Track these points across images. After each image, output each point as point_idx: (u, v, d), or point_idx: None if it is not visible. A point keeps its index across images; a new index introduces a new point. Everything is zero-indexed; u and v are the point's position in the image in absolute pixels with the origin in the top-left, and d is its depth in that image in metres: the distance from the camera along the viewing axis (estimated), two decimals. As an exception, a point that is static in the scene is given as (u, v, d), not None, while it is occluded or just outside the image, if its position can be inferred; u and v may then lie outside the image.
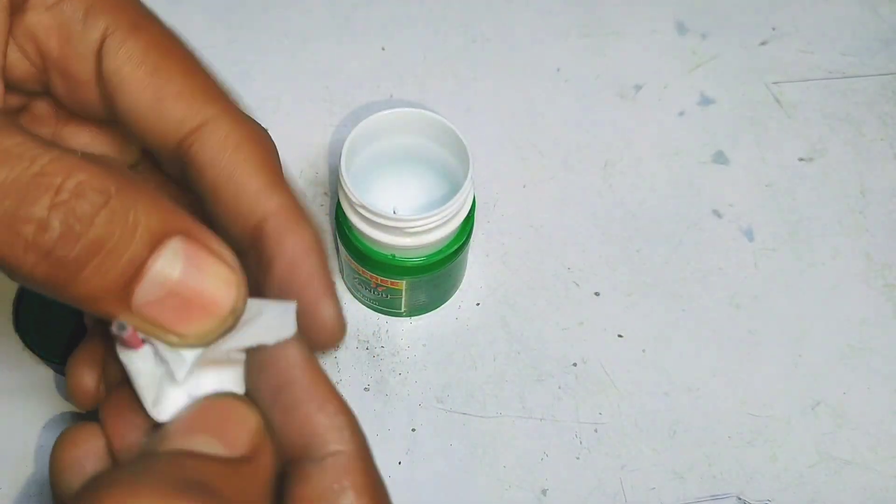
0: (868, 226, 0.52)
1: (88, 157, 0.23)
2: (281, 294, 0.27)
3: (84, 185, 0.22)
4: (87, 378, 0.28)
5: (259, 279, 0.27)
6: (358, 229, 0.43)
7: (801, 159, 0.54)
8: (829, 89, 0.57)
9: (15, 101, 0.29)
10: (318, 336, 0.27)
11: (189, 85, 0.28)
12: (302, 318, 0.26)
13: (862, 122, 0.55)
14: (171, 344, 0.24)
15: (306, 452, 0.25)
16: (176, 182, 0.29)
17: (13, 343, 0.45)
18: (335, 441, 0.25)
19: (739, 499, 0.45)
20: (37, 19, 0.27)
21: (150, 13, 0.28)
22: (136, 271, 0.23)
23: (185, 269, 0.24)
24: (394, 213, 0.44)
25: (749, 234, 0.52)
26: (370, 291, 0.46)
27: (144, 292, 0.23)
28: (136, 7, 0.27)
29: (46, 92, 0.28)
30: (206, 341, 0.25)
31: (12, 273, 0.23)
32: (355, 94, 0.55)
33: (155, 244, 0.23)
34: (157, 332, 0.24)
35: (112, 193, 0.23)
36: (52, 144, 0.23)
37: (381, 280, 0.45)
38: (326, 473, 0.25)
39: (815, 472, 0.46)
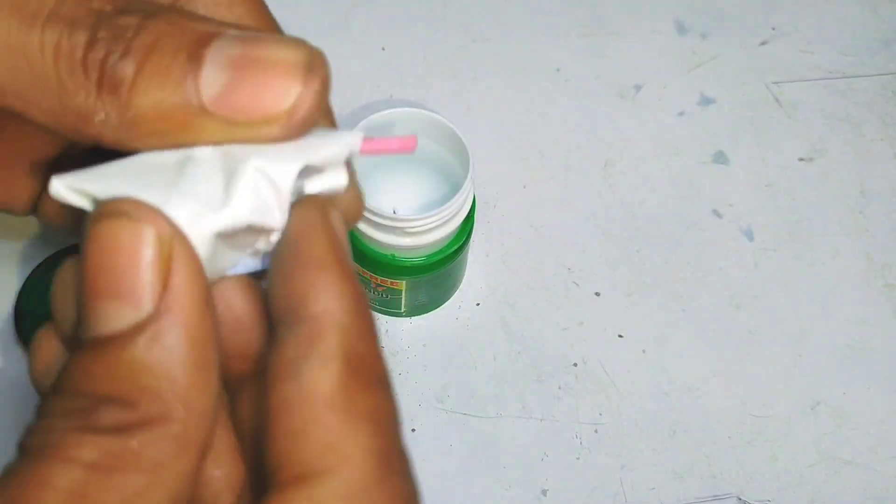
0: (868, 226, 0.52)
1: None
2: None
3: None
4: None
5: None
6: (358, 229, 0.43)
7: (801, 159, 0.54)
8: (829, 89, 0.57)
9: None
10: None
11: None
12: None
13: (862, 122, 0.55)
14: (257, 139, 0.22)
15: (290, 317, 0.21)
16: None
17: (13, 344, 0.45)
18: (318, 304, 0.21)
19: (739, 499, 0.45)
20: None
21: None
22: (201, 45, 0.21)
23: (243, 46, 0.22)
24: (394, 213, 0.44)
25: (749, 234, 0.52)
26: (370, 291, 0.46)
27: (213, 68, 0.21)
28: None
29: None
30: (298, 118, 0.22)
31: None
32: (355, 94, 0.55)
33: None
34: (242, 121, 0.21)
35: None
36: None
37: (381, 280, 0.45)
38: (297, 339, 0.21)
39: (816, 472, 0.46)
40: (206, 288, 0.21)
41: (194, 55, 0.21)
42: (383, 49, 0.57)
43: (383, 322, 0.48)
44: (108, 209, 0.20)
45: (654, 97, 0.56)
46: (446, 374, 0.47)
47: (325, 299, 0.21)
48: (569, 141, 0.54)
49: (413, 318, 0.49)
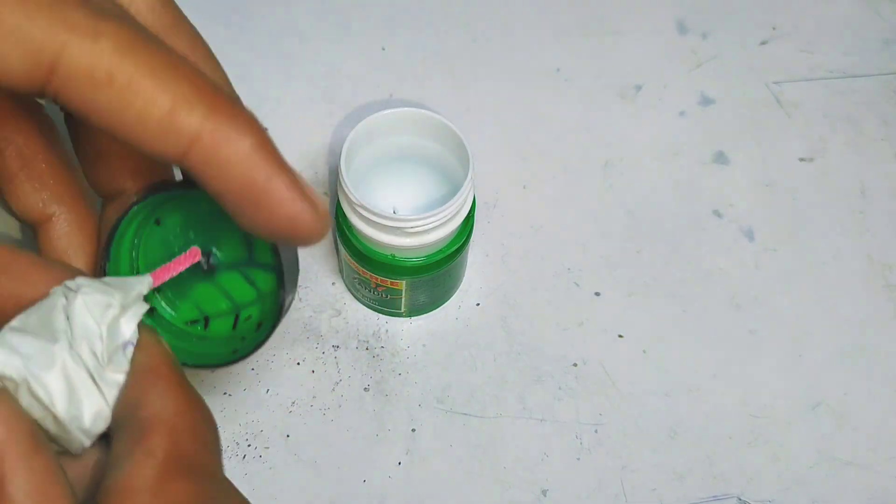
0: (869, 226, 0.52)
1: None
2: (249, 221, 0.26)
3: None
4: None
5: (221, 206, 0.26)
6: (358, 229, 0.43)
7: (801, 159, 0.54)
8: (830, 89, 0.56)
9: None
10: (307, 239, 0.26)
11: None
12: (283, 233, 0.25)
13: (862, 121, 0.55)
14: None
15: None
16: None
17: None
18: (149, 407, 0.25)
19: (740, 499, 0.45)
20: None
21: None
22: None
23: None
24: (394, 213, 0.44)
25: (749, 234, 0.52)
26: (370, 291, 0.46)
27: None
28: None
29: None
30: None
31: None
32: (355, 94, 0.55)
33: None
34: None
35: None
36: None
37: (381, 280, 0.45)
38: (127, 437, 0.24)
39: (816, 472, 0.46)
40: (29, 433, 0.23)
41: None
42: (383, 49, 0.57)
43: (383, 322, 0.48)
44: None
45: (654, 97, 0.56)
46: (446, 374, 0.47)
47: (156, 403, 0.24)
48: (569, 141, 0.54)
49: (413, 318, 0.49)
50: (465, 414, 0.46)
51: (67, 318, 0.25)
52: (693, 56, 0.57)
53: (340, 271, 0.49)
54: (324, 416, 0.46)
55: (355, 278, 0.46)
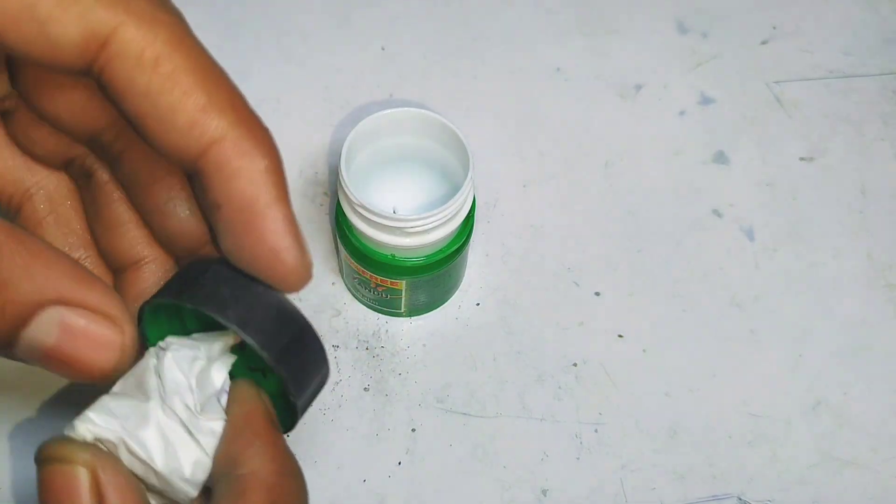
0: (869, 226, 0.52)
1: None
2: (233, 240, 0.25)
3: None
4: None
5: (212, 222, 0.26)
6: (358, 229, 0.43)
7: (801, 159, 0.54)
8: (830, 89, 0.56)
9: None
10: (282, 281, 0.26)
11: None
12: (262, 263, 0.25)
13: (862, 121, 0.55)
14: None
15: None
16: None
17: None
18: (247, 465, 0.26)
19: (740, 499, 0.45)
20: None
21: None
22: (10, 341, 0.23)
23: (59, 336, 0.23)
24: (394, 213, 0.44)
25: (749, 234, 0.52)
26: (370, 291, 0.46)
27: (23, 353, 0.23)
28: None
29: None
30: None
31: None
32: (355, 94, 0.55)
33: (27, 317, 0.23)
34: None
35: None
36: None
37: (381, 280, 0.45)
38: (228, 494, 0.25)
39: (816, 472, 0.46)
40: (136, 494, 0.25)
41: None
42: (383, 49, 0.57)
43: (383, 322, 0.48)
44: (45, 455, 0.24)
45: (654, 97, 0.56)
46: (446, 374, 0.47)
47: (254, 461, 0.25)
48: (569, 141, 0.54)
49: (413, 318, 0.49)
50: (464, 414, 0.46)
51: (159, 376, 0.26)
52: (693, 56, 0.57)
53: (340, 271, 0.49)
54: (324, 416, 0.46)
55: (355, 278, 0.46)
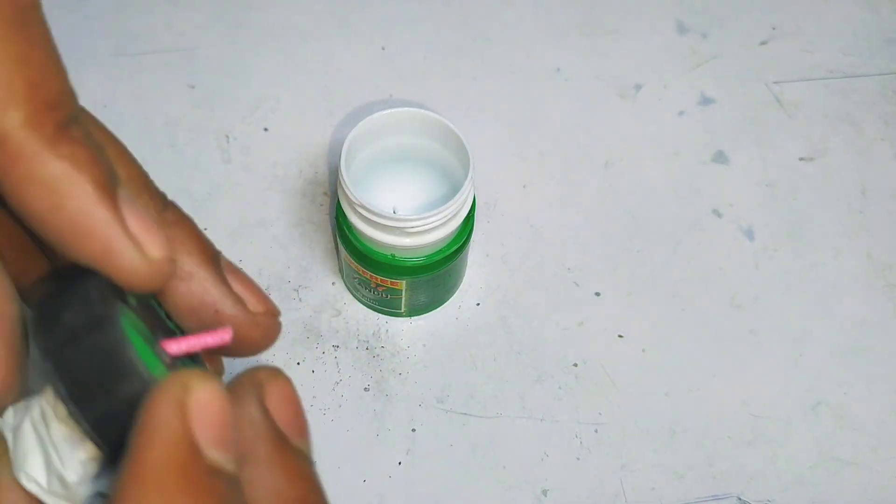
0: (868, 226, 0.52)
1: None
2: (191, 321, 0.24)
3: None
4: None
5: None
6: (358, 229, 0.43)
7: (801, 159, 0.54)
8: (830, 89, 0.56)
9: None
10: (251, 344, 0.24)
11: None
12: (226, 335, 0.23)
13: (862, 121, 0.55)
14: None
15: None
16: None
17: None
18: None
19: (740, 499, 0.45)
20: None
21: None
22: None
23: None
24: (394, 213, 0.44)
25: (749, 234, 0.52)
26: (370, 291, 0.46)
27: None
28: None
29: None
30: None
31: None
32: (355, 94, 0.55)
33: None
34: None
35: None
36: None
37: (381, 280, 0.45)
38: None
39: (816, 472, 0.46)
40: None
41: None
42: (383, 49, 0.57)
43: (383, 322, 0.48)
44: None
45: (654, 97, 0.56)
46: (446, 374, 0.47)
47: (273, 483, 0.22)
48: (569, 141, 0.54)
49: (413, 318, 0.49)
50: (465, 414, 0.46)
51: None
52: (693, 56, 0.57)
53: (340, 271, 0.49)
54: (324, 416, 0.46)
55: (355, 278, 0.46)
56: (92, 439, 0.21)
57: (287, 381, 0.23)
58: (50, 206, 0.21)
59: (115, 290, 0.23)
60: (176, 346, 0.23)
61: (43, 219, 0.21)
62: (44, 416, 0.23)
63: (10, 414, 0.23)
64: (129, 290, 0.23)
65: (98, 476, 0.23)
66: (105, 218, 0.22)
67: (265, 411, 0.23)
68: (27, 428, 0.23)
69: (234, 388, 0.23)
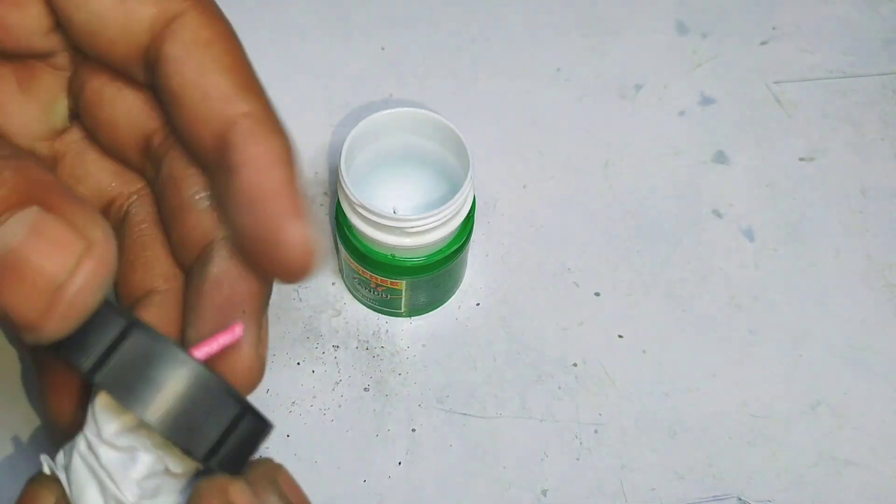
0: (869, 226, 0.52)
1: None
2: (242, 211, 0.26)
3: None
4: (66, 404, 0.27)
5: (223, 198, 0.26)
6: (358, 229, 0.43)
7: (801, 159, 0.54)
8: (830, 89, 0.56)
9: None
10: (282, 265, 0.25)
11: None
12: (264, 243, 0.25)
13: (862, 121, 0.55)
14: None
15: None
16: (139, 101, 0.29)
17: None
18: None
19: (740, 499, 0.45)
20: None
21: None
22: None
23: (26, 237, 0.22)
24: (394, 213, 0.44)
25: (749, 234, 0.52)
26: (370, 291, 0.46)
27: None
28: None
29: None
30: (39, 324, 0.22)
31: None
32: (355, 94, 0.55)
33: (2, 212, 0.22)
34: None
35: None
36: None
37: (381, 280, 0.45)
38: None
39: (816, 472, 0.46)
40: None
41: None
42: (383, 49, 0.57)
43: (383, 322, 0.48)
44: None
45: (654, 97, 0.56)
46: (446, 374, 0.47)
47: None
48: (569, 141, 0.54)
49: (413, 318, 0.49)
50: (464, 414, 0.46)
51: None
52: (693, 56, 0.57)
53: (340, 271, 0.49)
54: (324, 416, 0.46)
55: (355, 278, 0.46)
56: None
57: (287, 472, 0.28)
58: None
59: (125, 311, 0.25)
60: (199, 352, 0.26)
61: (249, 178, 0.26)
62: (90, 446, 0.24)
63: (60, 456, 0.25)
64: (282, 276, 0.26)
65: (156, 492, 0.24)
66: (292, 196, 0.26)
67: (283, 495, 0.26)
68: (77, 462, 0.24)
69: (251, 482, 0.26)
